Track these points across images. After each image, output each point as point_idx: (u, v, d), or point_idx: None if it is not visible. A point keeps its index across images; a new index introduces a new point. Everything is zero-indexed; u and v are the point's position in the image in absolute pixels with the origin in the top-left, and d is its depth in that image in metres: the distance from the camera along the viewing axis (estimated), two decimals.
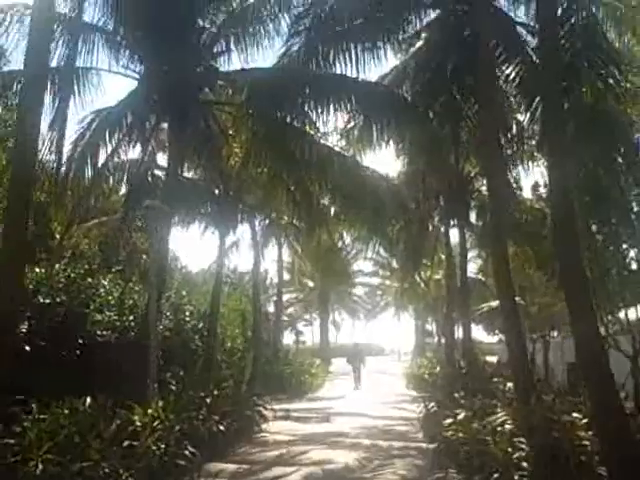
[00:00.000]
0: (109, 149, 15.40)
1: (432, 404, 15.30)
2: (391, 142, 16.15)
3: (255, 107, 14.82)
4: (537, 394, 10.73)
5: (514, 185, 19.93)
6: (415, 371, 30.16)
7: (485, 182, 19.51)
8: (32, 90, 10.07)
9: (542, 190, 21.85)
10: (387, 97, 14.68)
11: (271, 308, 35.18)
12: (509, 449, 8.56)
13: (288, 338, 55.95)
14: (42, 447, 8.21)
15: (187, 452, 10.02)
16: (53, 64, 13.37)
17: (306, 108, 14.39)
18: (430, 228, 23.40)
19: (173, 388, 13.79)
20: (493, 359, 28.68)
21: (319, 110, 14.22)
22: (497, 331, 39.56)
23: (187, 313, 21.27)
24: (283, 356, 27.91)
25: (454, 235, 24.10)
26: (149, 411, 10.43)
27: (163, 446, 9.61)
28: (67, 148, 15.61)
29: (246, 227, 24.71)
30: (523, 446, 8.57)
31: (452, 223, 22.56)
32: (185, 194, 17.89)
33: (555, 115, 9.42)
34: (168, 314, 20.20)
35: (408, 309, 49.30)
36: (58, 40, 13.72)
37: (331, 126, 15.44)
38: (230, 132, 16.64)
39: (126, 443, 8.97)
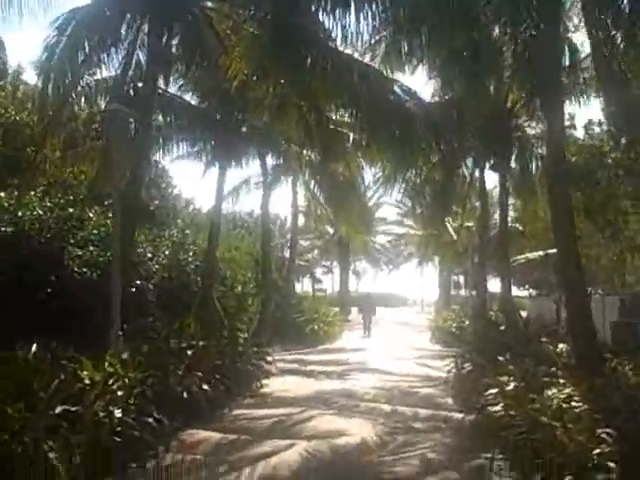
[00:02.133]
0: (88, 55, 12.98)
1: (466, 364, 12.99)
2: (425, 61, 13.34)
3: (258, 8, 12.11)
4: (611, 363, 8.24)
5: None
6: (440, 324, 27.67)
7: (537, 114, 16.66)
8: None
9: (597, 129, 18.67)
10: None
11: (288, 254, 32.96)
12: (586, 441, 6.06)
13: (307, 285, 54.10)
14: None
15: (151, 419, 7.74)
16: None
17: (320, 12, 11.55)
18: (463, 171, 20.32)
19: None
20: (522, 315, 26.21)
21: (337, 14, 11.32)
22: (527, 285, 37.07)
23: (190, 253, 19.39)
24: (296, 303, 25.56)
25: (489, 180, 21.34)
26: (106, 365, 8.14)
27: (118, 412, 7.30)
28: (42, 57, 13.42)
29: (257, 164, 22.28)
30: (605, 436, 6.08)
31: (488, 165, 19.67)
32: (172, 112, 15.41)
33: None
34: (167, 253, 18.24)
35: (433, 260, 46.63)
36: None
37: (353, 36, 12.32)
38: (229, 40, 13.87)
39: (59, 409, 6.62)
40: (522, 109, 17.31)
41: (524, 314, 26.60)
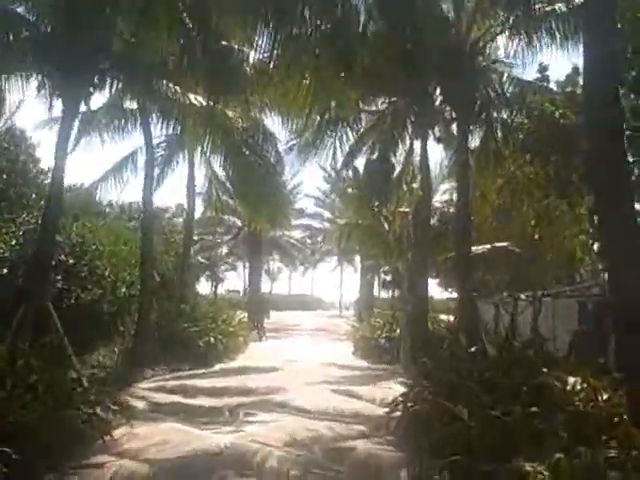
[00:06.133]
0: None
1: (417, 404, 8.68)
2: None
3: None
4: None
5: None
6: (367, 333, 22.95)
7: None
8: None
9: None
10: None
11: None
12: None
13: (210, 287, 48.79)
14: None
15: None
16: None
17: None
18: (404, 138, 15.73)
19: None
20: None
21: None
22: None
23: None
24: (190, 309, 20.44)
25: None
26: None
27: None
28: None
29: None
30: None
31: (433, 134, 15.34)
32: None
33: None
34: (13, 244, 15.40)
35: (353, 258, 41.95)
36: None
37: None
38: None
39: None
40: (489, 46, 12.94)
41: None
